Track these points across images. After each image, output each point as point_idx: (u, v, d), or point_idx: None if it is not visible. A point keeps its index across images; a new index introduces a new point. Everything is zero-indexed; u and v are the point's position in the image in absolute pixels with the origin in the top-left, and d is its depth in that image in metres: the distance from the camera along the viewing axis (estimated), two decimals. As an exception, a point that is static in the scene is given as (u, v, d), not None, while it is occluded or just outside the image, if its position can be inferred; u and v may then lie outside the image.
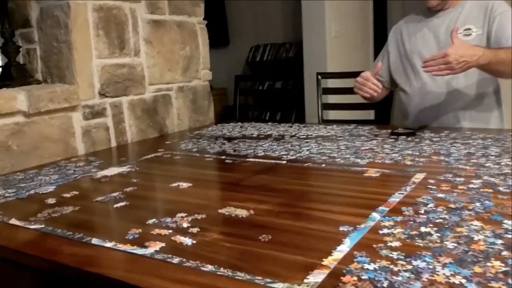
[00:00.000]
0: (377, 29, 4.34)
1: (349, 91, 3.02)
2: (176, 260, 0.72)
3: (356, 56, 4.01)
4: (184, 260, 0.72)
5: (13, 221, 0.95)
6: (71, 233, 0.86)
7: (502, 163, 1.14)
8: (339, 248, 0.72)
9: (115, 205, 1.01)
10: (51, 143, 1.52)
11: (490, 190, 0.94)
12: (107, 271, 0.70)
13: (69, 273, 0.74)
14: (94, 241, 0.82)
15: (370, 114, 2.74)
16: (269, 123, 2.05)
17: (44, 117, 1.50)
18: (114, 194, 1.08)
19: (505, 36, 1.58)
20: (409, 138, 1.52)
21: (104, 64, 1.69)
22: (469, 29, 1.66)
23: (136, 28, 1.81)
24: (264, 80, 4.25)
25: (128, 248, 0.78)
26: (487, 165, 1.13)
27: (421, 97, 1.77)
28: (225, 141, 1.66)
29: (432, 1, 1.71)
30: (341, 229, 0.79)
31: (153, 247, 0.78)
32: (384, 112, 2.46)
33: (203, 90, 2.18)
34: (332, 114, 3.04)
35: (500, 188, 0.94)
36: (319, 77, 2.73)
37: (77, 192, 1.12)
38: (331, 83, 2.87)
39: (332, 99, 2.96)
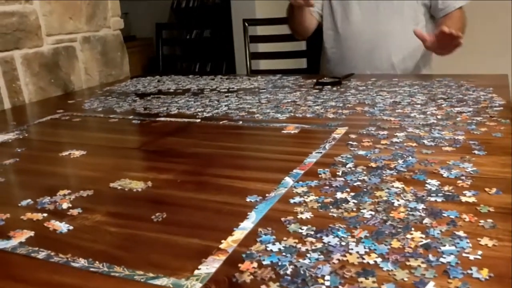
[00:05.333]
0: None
1: (280, 38, 2.88)
2: (42, 254, 0.58)
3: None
4: (52, 254, 0.58)
5: None
6: None
7: (427, 112, 1.07)
8: (242, 224, 0.61)
9: (-13, 183, 0.84)
10: None
11: (414, 144, 0.86)
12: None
13: None
14: None
15: (302, 63, 2.63)
16: (190, 76, 1.88)
17: None
18: (-11, 169, 0.91)
19: None
20: (335, 88, 1.43)
21: (-14, 12, 1.44)
22: None
23: (25, -31, 1.55)
24: (192, 29, 3.97)
25: (-15, 241, 0.63)
26: (412, 115, 1.06)
27: (354, 40, 1.67)
28: (137, 98, 1.49)
29: None
30: (248, 200, 0.68)
31: (18, 238, 0.63)
32: (317, 61, 2.35)
33: (115, 40, 1.96)
34: (263, 64, 2.89)
35: (425, 141, 0.87)
36: (246, 24, 2.57)
37: None
38: (261, 30, 2.71)
39: (264, 47, 2.81)
